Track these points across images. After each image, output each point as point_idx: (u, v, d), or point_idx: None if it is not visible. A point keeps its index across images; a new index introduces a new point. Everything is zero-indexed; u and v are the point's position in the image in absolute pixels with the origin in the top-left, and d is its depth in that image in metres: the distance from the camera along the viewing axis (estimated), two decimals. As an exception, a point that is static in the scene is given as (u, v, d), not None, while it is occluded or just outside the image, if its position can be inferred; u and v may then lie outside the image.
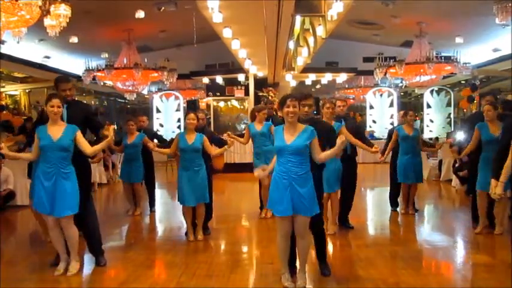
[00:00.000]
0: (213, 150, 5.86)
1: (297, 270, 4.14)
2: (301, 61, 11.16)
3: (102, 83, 13.57)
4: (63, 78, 5.10)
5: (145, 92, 16.22)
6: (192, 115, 5.71)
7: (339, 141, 3.83)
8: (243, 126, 15.18)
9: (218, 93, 16.64)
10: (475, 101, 13.86)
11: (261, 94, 16.05)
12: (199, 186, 5.64)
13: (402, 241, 6.01)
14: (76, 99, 5.21)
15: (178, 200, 5.73)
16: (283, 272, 4.10)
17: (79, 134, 4.50)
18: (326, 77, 17.11)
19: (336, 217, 6.07)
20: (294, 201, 3.88)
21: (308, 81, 17.69)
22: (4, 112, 12.14)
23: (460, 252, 5.43)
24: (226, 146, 5.82)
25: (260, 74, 15.71)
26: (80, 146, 4.48)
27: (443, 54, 12.51)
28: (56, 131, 4.41)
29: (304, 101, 4.23)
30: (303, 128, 3.95)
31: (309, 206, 3.91)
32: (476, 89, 13.99)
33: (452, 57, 12.22)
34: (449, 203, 8.94)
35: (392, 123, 16.39)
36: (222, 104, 16.74)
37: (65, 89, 4.77)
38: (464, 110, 16.00)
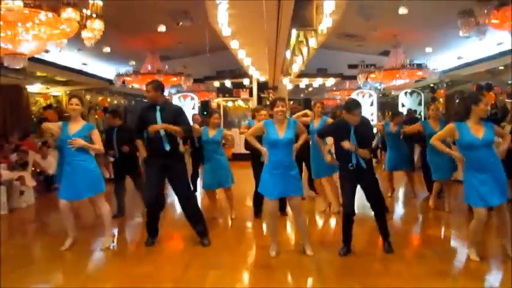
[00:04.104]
0: None
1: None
2: (296, 68, 11.10)
3: (130, 86, 13.57)
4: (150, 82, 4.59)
5: (166, 93, 16.16)
6: (216, 115, 5.72)
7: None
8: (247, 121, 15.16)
9: (227, 95, 16.63)
10: (440, 101, 14.16)
11: (262, 95, 16.00)
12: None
13: (402, 240, 4.93)
14: (169, 101, 4.96)
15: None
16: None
17: (94, 132, 4.42)
18: (317, 81, 16.99)
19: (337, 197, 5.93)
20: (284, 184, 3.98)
21: (302, 85, 17.58)
22: (49, 111, 12.16)
23: (461, 250, 4.48)
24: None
25: (262, 79, 15.59)
26: (93, 142, 4.39)
27: (415, 61, 12.39)
28: (73, 127, 4.37)
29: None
30: (288, 122, 4.02)
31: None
32: (435, 91, 14.39)
33: (423, 64, 12.11)
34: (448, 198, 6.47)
35: (372, 120, 16.33)
36: (230, 103, 16.74)
37: (145, 91, 4.53)
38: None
